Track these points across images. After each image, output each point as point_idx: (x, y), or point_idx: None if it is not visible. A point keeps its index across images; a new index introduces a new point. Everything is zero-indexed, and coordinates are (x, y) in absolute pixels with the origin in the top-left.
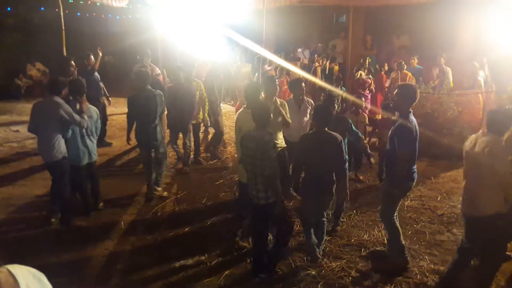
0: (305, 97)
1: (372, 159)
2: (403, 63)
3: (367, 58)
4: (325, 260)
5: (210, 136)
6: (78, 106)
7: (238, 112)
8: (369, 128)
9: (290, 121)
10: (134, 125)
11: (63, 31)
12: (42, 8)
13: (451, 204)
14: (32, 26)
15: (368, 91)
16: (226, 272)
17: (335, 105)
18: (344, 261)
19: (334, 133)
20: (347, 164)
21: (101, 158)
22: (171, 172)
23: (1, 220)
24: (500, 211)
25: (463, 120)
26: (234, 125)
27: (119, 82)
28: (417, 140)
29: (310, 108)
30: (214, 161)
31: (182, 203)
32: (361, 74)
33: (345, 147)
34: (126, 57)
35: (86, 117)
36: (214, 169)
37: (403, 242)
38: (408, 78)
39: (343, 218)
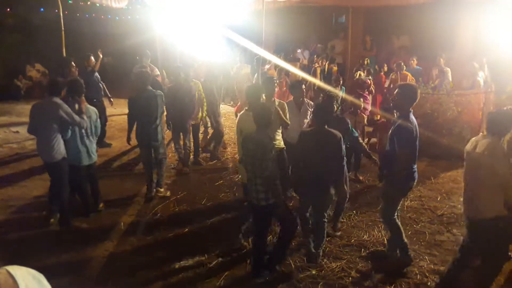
0: (305, 99)
1: (374, 157)
2: (402, 63)
3: (366, 59)
4: (325, 260)
5: (209, 137)
6: (77, 106)
7: (240, 114)
8: (368, 129)
9: (289, 122)
10: (135, 126)
11: (63, 32)
12: (42, 9)
13: (451, 205)
14: (31, 26)
15: (367, 92)
16: (226, 273)
17: (335, 105)
18: (344, 261)
19: (333, 130)
20: (345, 161)
21: (101, 159)
22: (171, 172)
23: (0, 221)
24: (500, 213)
25: (462, 120)
26: (234, 126)
27: (119, 83)
28: (417, 140)
29: (310, 110)
30: (214, 161)
31: (182, 203)
32: (360, 75)
33: (344, 146)
34: (126, 57)
35: (85, 117)
36: (214, 170)
37: (406, 241)
38: (408, 79)
39: (343, 219)
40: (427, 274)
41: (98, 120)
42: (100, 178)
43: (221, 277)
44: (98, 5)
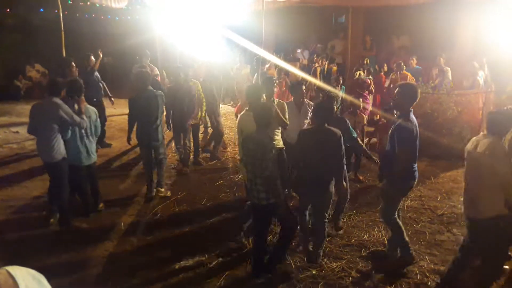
0: (305, 100)
1: (374, 157)
2: (402, 63)
3: (366, 58)
4: (325, 260)
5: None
6: (76, 106)
7: (240, 114)
8: (368, 129)
9: (288, 122)
10: (135, 126)
11: (63, 32)
12: (42, 9)
13: (451, 204)
14: (31, 27)
15: (367, 92)
16: (226, 273)
17: (335, 106)
18: (344, 261)
19: (333, 128)
20: (344, 159)
21: (101, 159)
22: (171, 172)
23: (0, 221)
24: (501, 212)
25: (462, 120)
26: (234, 126)
27: (119, 83)
28: (418, 139)
29: (310, 110)
30: (214, 161)
31: (182, 203)
32: (360, 74)
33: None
34: (126, 58)
35: (85, 117)
36: (214, 170)
37: (407, 239)
38: (408, 79)
39: (343, 219)
40: (427, 274)
41: (98, 120)
42: (100, 178)
43: (221, 277)
44: (98, 5)
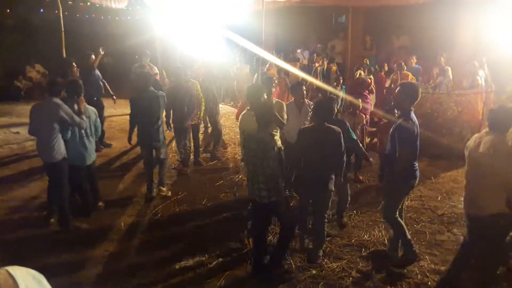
0: (305, 100)
1: (371, 159)
2: (403, 63)
3: (365, 59)
4: (325, 260)
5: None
6: (76, 107)
7: (242, 114)
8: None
9: (285, 122)
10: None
11: (63, 33)
12: (42, 10)
13: (451, 204)
14: (31, 27)
15: (367, 91)
16: (227, 273)
17: (335, 107)
18: (345, 261)
19: (333, 126)
20: (345, 157)
21: (101, 159)
22: (172, 173)
23: (0, 221)
24: (502, 210)
25: (462, 120)
26: (234, 126)
27: (119, 84)
28: (418, 138)
29: (310, 110)
30: (214, 162)
31: (182, 204)
32: (360, 74)
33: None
34: (126, 58)
35: (85, 117)
36: (214, 170)
37: (409, 237)
38: (410, 79)
39: (343, 218)
40: (427, 274)
41: (98, 120)
42: (101, 178)
43: (222, 277)
44: (98, 5)
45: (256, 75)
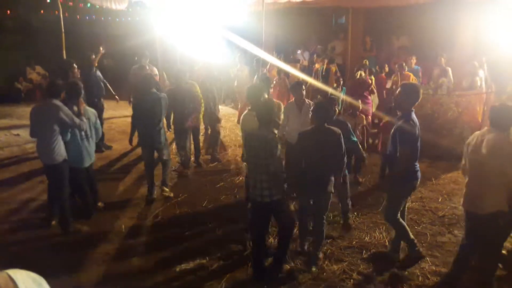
0: (306, 100)
1: (365, 155)
2: (404, 64)
3: (365, 59)
4: (326, 262)
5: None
6: (75, 108)
7: (243, 114)
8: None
9: (280, 122)
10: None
11: (63, 34)
12: (42, 11)
13: (452, 206)
14: (32, 29)
15: (368, 92)
16: (227, 275)
17: (336, 108)
18: (346, 263)
19: (333, 127)
20: (345, 158)
21: (102, 161)
22: (172, 175)
23: (1, 224)
24: (502, 209)
25: (463, 120)
26: (234, 128)
27: (119, 85)
28: (419, 139)
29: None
30: (215, 163)
31: (182, 206)
32: (360, 74)
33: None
34: (126, 59)
35: (84, 119)
36: (214, 172)
37: (412, 237)
38: (411, 79)
39: (342, 221)
40: (428, 276)
41: (98, 121)
42: (101, 180)
43: (222, 280)
44: (98, 6)
45: (256, 76)
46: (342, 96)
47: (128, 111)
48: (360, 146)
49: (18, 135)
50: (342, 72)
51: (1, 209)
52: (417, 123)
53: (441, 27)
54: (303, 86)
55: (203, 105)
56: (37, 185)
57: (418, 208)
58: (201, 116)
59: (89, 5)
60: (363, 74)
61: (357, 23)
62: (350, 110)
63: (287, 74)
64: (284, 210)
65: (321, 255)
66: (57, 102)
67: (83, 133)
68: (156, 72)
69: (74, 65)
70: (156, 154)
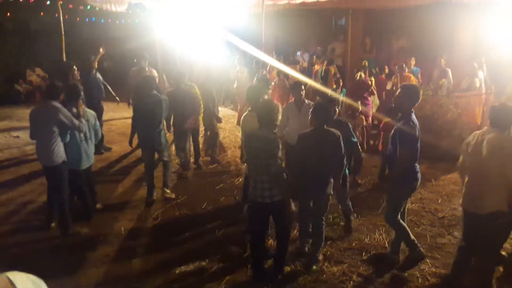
0: (305, 100)
1: (362, 154)
2: (404, 65)
3: (364, 61)
4: (326, 264)
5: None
6: (74, 110)
7: (243, 115)
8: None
9: (277, 123)
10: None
11: (63, 36)
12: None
13: (452, 207)
14: (31, 31)
15: (367, 93)
16: (227, 278)
17: (336, 108)
18: (346, 265)
19: (332, 129)
20: (345, 160)
21: (101, 163)
22: (171, 176)
23: (0, 226)
24: (501, 209)
25: (462, 121)
26: (234, 129)
27: (119, 87)
28: (419, 140)
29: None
30: (214, 165)
31: (182, 207)
32: (360, 76)
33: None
34: (126, 61)
35: (84, 121)
36: (214, 174)
37: (413, 237)
38: (411, 80)
39: (343, 222)
40: (428, 278)
41: (97, 123)
42: (101, 182)
43: (222, 282)
44: (97, 9)
45: (255, 77)
46: (341, 97)
47: (128, 113)
48: (359, 147)
49: (17, 137)
50: (342, 73)
51: (0, 211)
52: (417, 124)
53: (441, 28)
54: (303, 86)
55: (202, 106)
56: (37, 187)
57: (417, 210)
58: (200, 118)
59: (89, 7)
60: (362, 75)
61: (356, 25)
62: (350, 111)
63: (286, 75)
64: (284, 211)
65: (321, 257)
66: (57, 104)
67: (82, 135)
68: (156, 74)
69: (74, 67)
70: (156, 155)
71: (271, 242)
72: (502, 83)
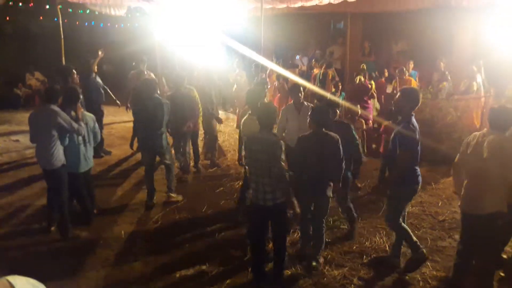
0: (304, 102)
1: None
2: (404, 69)
3: (362, 64)
4: (326, 267)
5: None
6: (73, 113)
7: (243, 119)
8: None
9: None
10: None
11: (62, 40)
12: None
13: (452, 210)
14: (31, 35)
15: (367, 97)
16: (228, 281)
17: (337, 111)
18: (346, 268)
19: (331, 133)
20: (344, 164)
21: (101, 167)
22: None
23: (0, 230)
24: (501, 209)
25: (462, 124)
26: (233, 133)
27: (119, 91)
28: (419, 143)
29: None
30: (214, 168)
31: (182, 211)
32: (360, 79)
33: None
34: (125, 65)
35: (82, 124)
36: (214, 177)
37: (415, 239)
38: (412, 84)
39: (344, 225)
40: (429, 281)
41: (96, 126)
42: (100, 186)
43: (222, 286)
44: (97, 13)
45: (255, 81)
46: (341, 101)
47: (128, 116)
48: (360, 149)
49: (17, 141)
50: (341, 77)
51: (0, 215)
52: (417, 128)
53: (440, 32)
54: (301, 88)
55: (201, 109)
56: (36, 190)
57: (418, 213)
58: (200, 121)
59: (88, 11)
60: (362, 79)
61: (355, 28)
62: (349, 115)
63: (286, 79)
64: (284, 214)
65: (321, 260)
66: (55, 107)
67: (80, 138)
68: (153, 77)
69: (74, 70)
70: (157, 158)
71: (271, 245)
72: (501, 85)
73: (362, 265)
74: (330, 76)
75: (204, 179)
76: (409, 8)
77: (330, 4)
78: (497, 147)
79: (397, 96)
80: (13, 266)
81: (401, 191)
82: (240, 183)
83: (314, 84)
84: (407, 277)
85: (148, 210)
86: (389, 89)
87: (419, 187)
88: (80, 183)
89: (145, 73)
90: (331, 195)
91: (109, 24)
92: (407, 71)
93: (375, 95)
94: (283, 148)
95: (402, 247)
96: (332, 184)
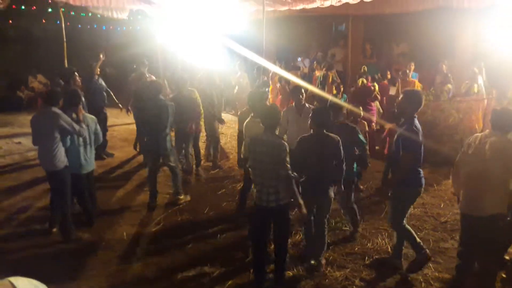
0: (306, 104)
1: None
2: (407, 71)
3: (363, 66)
4: (328, 269)
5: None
6: (74, 115)
7: (245, 121)
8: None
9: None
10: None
11: (65, 43)
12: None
13: (454, 211)
14: (33, 38)
15: (370, 99)
16: (229, 282)
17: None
18: (348, 270)
19: (332, 134)
20: (344, 165)
21: (103, 169)
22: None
23: (2, 232)
24: (501, 211)
25: (464, 125)
26: (235, 135)
27: (120, 93)
28: (422, 145)
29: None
30: (216, 170)
31: (184, 213)
32: (362, 81)
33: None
34: (127, 68)
35: (84, 126)
36: (216, 179)
37: (419, 241)
38: (416, 86)
39: (346, 227)
40: (431, 282)
41: (98, 127)
42: (103, 187)
43: (224, 287)
44: (99, 16)
45: (256, 83)
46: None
47: (130, 119)
48: (367, 149)
49: (19, 143)
50: (342, 79)
51: (2, 216)
52: (420, 129)
53: (441, 34)
54: (302, 90)
55: (202, 111)
56: (39, 192)
57: (420, 214)
58: (201, 123)
59: (90, 14)
60: (364, 81)
61: (357, 30)
62: (351, 117)
63: (288, 81)
64: (287, 215)
65: (323, 261)
66: (56, 109)
67: (80, 139)
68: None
69: (76, 73)
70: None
71: (273, 247)
72: (503, 87)
73: (364, 266)
74: (330, 78)
75: (206, 181)
76: (410, 10)
77: (331, 6)
78: (499, 149)
79: (399, 98)
80: (15, 267)
81: (404, 192)
82: (242, 185)
83: (315, 86)
84: (409, 278)
85: (150, 211)
86: (392, 91)
87: (422, 189)
88: (82, 184)
89: (147, 76)
90: (333, 196)
91: (111, 27)
92: (409, 73)
93: (378, 97)
94: (288, 151)
95: (403, 248)
96: (334, 185)
